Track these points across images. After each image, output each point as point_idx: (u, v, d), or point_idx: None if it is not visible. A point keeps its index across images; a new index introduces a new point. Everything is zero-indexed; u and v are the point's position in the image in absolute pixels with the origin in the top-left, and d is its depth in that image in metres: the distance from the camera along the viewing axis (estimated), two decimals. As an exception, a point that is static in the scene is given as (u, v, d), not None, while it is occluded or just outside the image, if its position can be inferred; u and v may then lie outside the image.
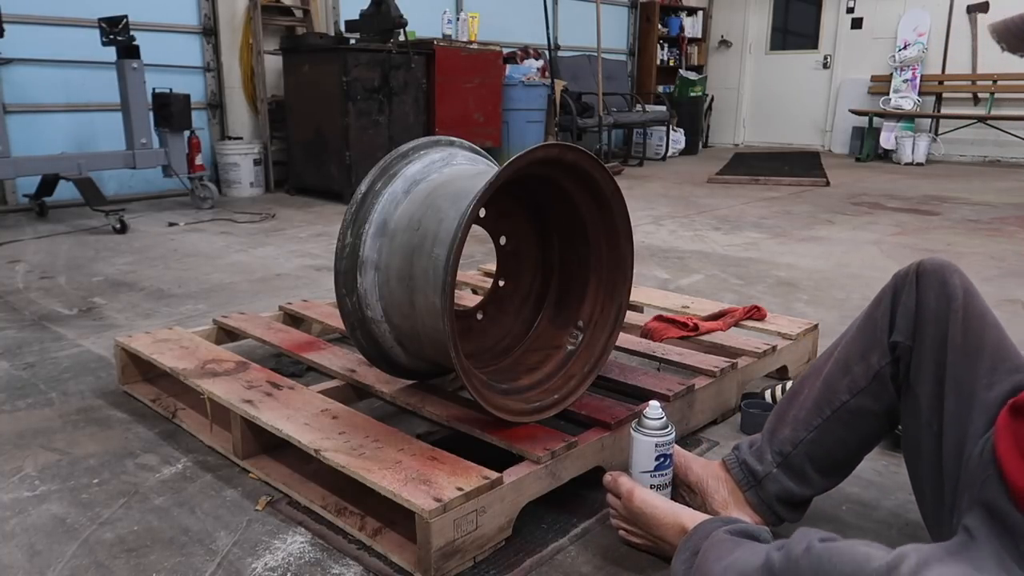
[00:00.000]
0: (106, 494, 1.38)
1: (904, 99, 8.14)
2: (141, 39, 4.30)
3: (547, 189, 1.48)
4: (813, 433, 1.17)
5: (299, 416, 1.42)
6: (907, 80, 8.25)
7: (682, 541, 1.06)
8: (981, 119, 7.65)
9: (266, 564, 1.18)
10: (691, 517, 1.13)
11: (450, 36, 6.20)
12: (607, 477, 1.25)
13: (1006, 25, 0.82)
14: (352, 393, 1.65)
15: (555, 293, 1.64)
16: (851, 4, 8.81)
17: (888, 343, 1.11)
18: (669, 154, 8.17)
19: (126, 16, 4.14)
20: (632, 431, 1.26)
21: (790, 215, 4.62)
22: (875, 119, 8.06)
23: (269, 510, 1.33)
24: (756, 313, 2.05)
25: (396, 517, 1.24)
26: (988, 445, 0.92)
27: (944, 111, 8.05)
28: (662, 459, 1.24)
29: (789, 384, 1.47)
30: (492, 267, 1.87)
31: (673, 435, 1.26)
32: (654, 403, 1.27)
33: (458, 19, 6.40)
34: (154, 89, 4.39)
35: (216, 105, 5.46)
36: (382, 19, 4.99)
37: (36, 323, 2.42)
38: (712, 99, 9.66)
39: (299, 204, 5.02)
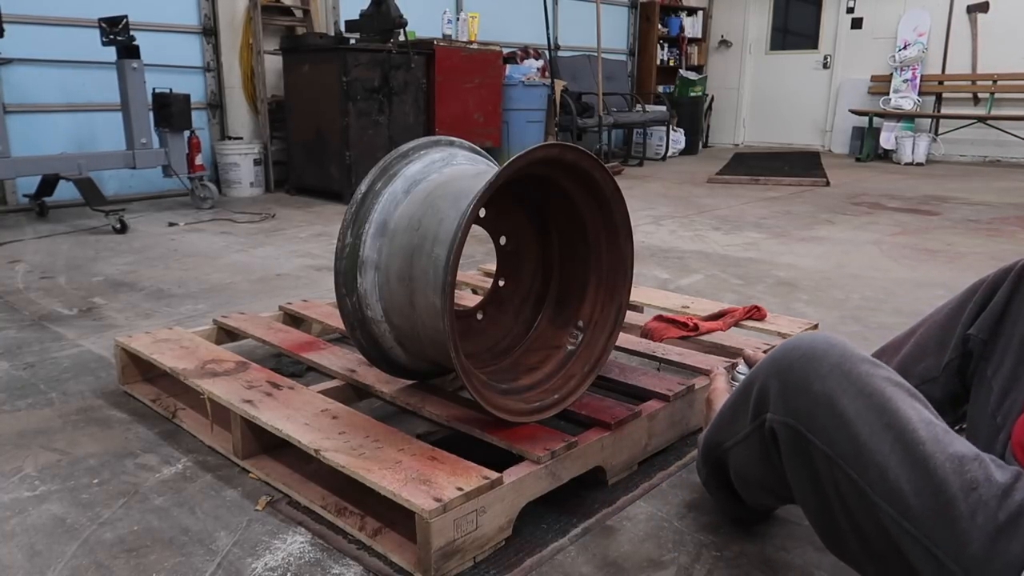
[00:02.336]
0: (106, 494, 1.38)
1: (904, 99, 8.14)
2: (141, 39, 4.30)
3: (547, 189, 1.48)
4: None
5: (299, 416, 1.42)
6: (907, 80, 8.25)
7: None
8: (981, 119, 7.64)
9: (266, 564, 1.18)
10: None
11: (450, 36, 6.20)
12: (715, 371, 1.45)
13: None
14: (352, 393, 1.65)
15: (555, 293, 1.64)
16: (851, 4, 8.81)
17: (962, 336, 1.14)
18: (669, 154, 8.17)
19: (126, 16, 4.13)
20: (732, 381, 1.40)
21: (790, 215, 4.62)
22: (875, 119, 8.06)
23: (269, 510, 1.33)
24: (756, 313, 2.05)
25: (396, 517, 1.24)
26: None
27: (944, 111, 8.05)
28: None
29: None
30: (492, 267, 1.87)
31: None
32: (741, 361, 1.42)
33: (458, 19, 6.40)
34: (154, 89, 4.39)
35: (216, 105, 5.46)
36: (382, 19, 4.99)
37: (36, 323, 2.42)
38: (712, 99, 9.66)
39: (299, 204, 5.02)
